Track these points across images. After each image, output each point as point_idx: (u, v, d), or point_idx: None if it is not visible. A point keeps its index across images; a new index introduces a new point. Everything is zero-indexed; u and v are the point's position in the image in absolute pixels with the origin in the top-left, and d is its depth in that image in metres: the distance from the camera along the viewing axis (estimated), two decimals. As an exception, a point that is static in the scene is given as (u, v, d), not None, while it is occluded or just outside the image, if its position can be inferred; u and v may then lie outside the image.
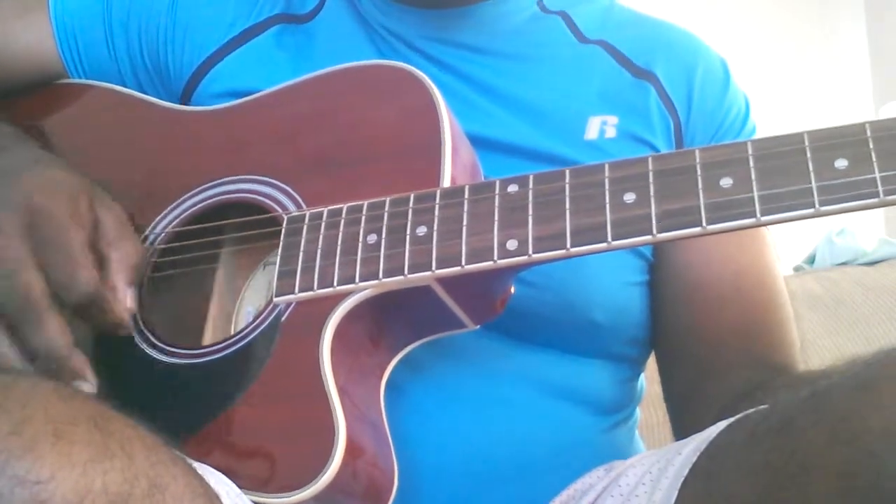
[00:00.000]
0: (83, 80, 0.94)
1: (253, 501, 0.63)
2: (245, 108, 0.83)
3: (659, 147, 0.87)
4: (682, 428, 0.89)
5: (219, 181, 0.80)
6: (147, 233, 0.81)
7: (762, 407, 0.62)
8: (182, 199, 0.81)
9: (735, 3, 3.21)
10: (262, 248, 0.81)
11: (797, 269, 2.06)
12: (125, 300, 0.73)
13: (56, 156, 0.82)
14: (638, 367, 0.92)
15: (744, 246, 0.87)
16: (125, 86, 0.93)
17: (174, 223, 0.80)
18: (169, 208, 0.81)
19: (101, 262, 0.73)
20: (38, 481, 0.45)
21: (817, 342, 1.56)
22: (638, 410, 0.94)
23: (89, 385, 0.70)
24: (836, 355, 1.49)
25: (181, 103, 0.91)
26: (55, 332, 0.68)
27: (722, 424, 0.64)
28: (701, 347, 0.87)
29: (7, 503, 0.45)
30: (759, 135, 0.91)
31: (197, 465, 0.58)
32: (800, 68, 3.23)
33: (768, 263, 0.88)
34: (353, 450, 0.64)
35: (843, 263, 1.91)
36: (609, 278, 0.84)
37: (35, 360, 0.68)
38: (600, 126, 0.85)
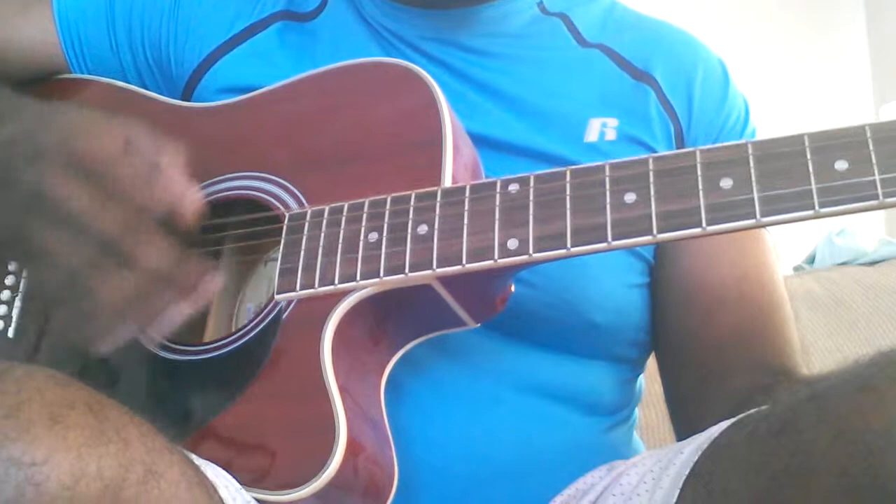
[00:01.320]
0: (85, 75, 0.94)
1: (254, 498, 0.63)
2: (247, 105, 0.83)
3: (658, 149, 0.86)
4: (683, 430, 0.88)
5: (220, 178, 0.80)
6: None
7: (763, 407, 0.62)
8: (183, 196, 0.81)
9: (735, 4, 3.21)
10: (264, 246, 0.81)
11: (797, 269, 2.06)
12: (192, 195, 0.71)
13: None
14: (637, 368, 0.92)
15: (744, 249, 0.87)
16: (127, 81, 0.93)
17: (175, 220, 0.80)
18: (170, 206, 0.81)
19: (155, 175, 0.70)
20: (34, 463, 0.46)
21: (817, 342, 1.56)
22: (637, 411, 0.94)
23: (218, 278, 0.71)
24: (836, 355, 1.49)
25: (183, 99, 0.91)
26: (160, 245, 0.68)
27: (723, 425, 0.65)
28: (702, 350, 0.87)
29: (2, 484, 0.45)
30: (759, 135, 0.91)
31: (194, 457, 0.58)
32: (800, 68, 3.23)
33: (769, 266, 0.88)
34: (353, 447, 0.64)
35: (844, 263, 1.91)
36: (609, 280, 0.84)
37: (155, 284, 0.68)
38: (600, 128, 0.86)
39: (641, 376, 0.94)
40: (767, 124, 0.92)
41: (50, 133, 0.70)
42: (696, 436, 0.67)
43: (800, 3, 3.33)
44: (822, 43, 3.34)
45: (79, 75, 0.94)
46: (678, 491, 0.63)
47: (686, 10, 2.39)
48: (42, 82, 0.94)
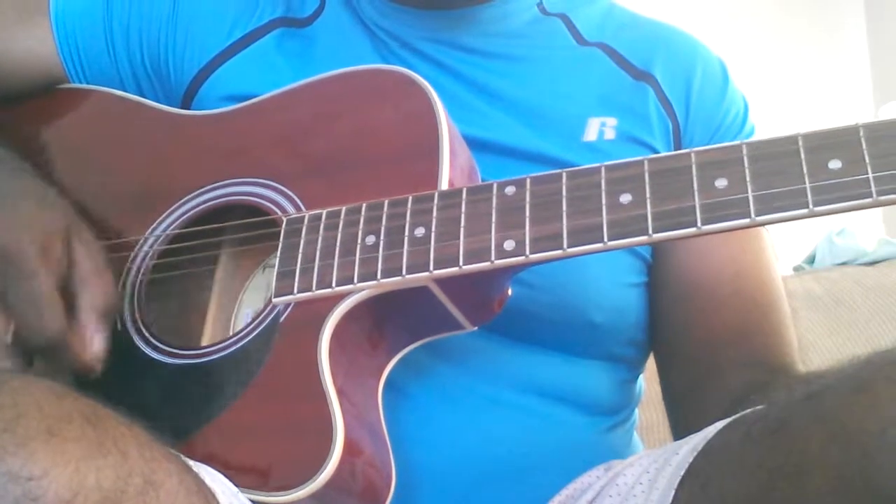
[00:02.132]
0: (83, 85, 0.94)
1: (251, 500, 0.64)
2: (245, 112, 0.84)
3: (658, 148, 0.87)
4: (681, 429, 0.89)
5: (219, 184, 0.80)
6: (147, 235, 0.81)
7: (758, 407, 0.62)
8: (182, 201, 0.81)
9: (735, 4, 3.21)
10: (262, 250, 0.81)
11: (797, 269, 2.06)
12: (92, 344, 0.71)
13: (52, 165, 0.82)
14: (637, 368, 0.92)
15: (742, 247, 0.87)
16: (125, 90, 0.93)
17: (174, 225, 0.80)
18: (169, 211, 0.81)
19: (72, 305, 0.71)
20: (31, 478, 0.46)
21: (817, 342, 1.56)
22: (637, 412, 0.94)
23: None
24: (836, 355, 1.49)
25: (182, 107, 0.91)
26: None
27: (719, 424, 0.65)
28: (699, 348, 0.87)
29: (0, 500, 0.45)
30: (758, 135, 0.91)
31: (193, 463, 0.58)
32: (800, 68, 3.23)
33: (766, 264, 0.89)
34: (350, 449, 0.64)
35: (843, 263, 1.91)
36: (608, 279, 0.84)
37: None
38: (599, 127, 0.86)
39: (641, 377, 0.94)
40: (767, 124, 0.92)
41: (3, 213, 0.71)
42: (692, 436, 0.67)
43: (800, 3, 3.32)
44: (822, 43, 3.34)
45: (77, 85, 0.94)
46: (674, 491, 0.63)
47: (686, 10, 2.39)
48: (41, 93, 0.94)
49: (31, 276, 0.68)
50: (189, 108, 0.91)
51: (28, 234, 0.70)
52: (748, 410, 0.63)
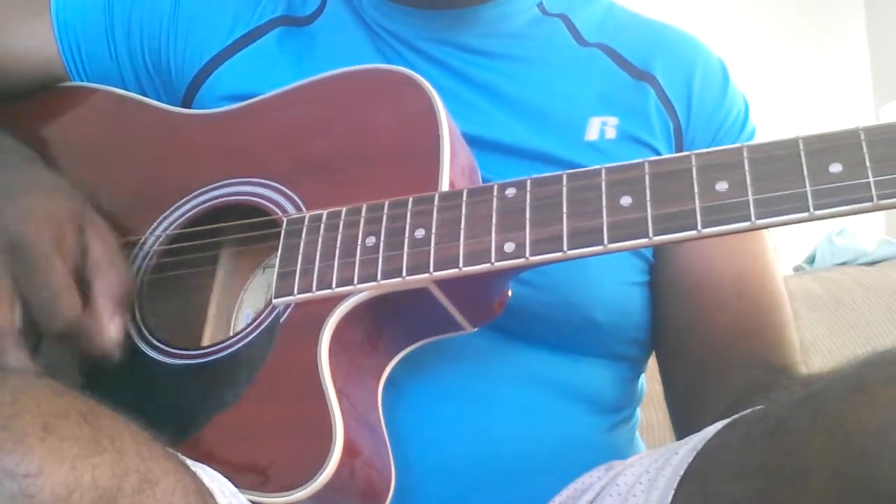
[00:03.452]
0: (84, 84, 0.94)
1: (251, 501, 0.64)
2: (246, 112, 0.84)
3: (659, 148, 0.87)
4: (683, 429, 0.89)
5: (219, 184, 0.80)
6: (147, 235, 0.81)
7: (758, 408, 0.62)
8: (183, 201, 0.81)
9: (735, 4, 3.21)
10: (262, 251, 0.81)
11: (797, 269, 2.06)
12: (109, 329, 0.71)
13: (54, 163, 0.81)
14: (639, 367, 0.92)
15: (744, 248, 0.88)
16: (127, 89, 0.93)
17: (175, 225, 0.80)
18: (169, 210, 0.81)
19: (86, 292, 0.71)
20: (27, 475, 0.46)
21: (817, 342, 1.56)
22: (638, 411, 0.94)
23: None
24: (836, 355, 1.49)
25: (183, 106, 0.91)
26: (14, 361, 0.67)
27: (718, 425, 0.65)
28: (701, 348, 0.87)
29: None
30: (758, 135, 0.91)
31: (191, 462, 0.59)
32: (800, 68, 3.23)
33: (768, 265, 0.89)
34: (350, 450, 0.64)
35: (844, 263, 1.91)
36: (610, 278, 0.84)
37: None
38: (600, 127, 0.86)
39: (642, 376, 0.94)
40: (768, 124, 0.92)
41: (14, 204, 0.71)
42: (692, 436, 0.67)
43: (800, 3, 3.32)
44: (822, 43, 3.34)
45: (78, 83, 0.94)
46: (673, 491, 0.63)
47: (686, 10, 2.39)
48: (42, 91, 0.94)
49: (46, 262, 0.68)
50: (190, 107, 0.91)
51: (42, 220, 0.70)
52: (748, 411, 0.63)
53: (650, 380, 0.95)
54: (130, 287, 0.75)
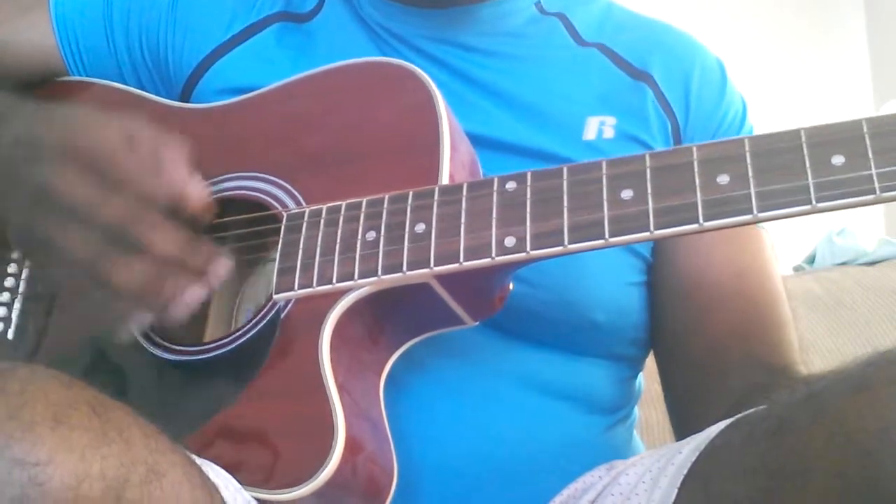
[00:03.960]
0: (83, 78, 0.94)
1: (253, 497, 0.63)
2: (245, 106, 0.83)
3: (657, 148, 0.87)
4: (682, 428, 0.89)
5: (219, 178, 0.80)
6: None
7: (760, 407, 0.62)
8: (182, 196, 0.81)
9: (735, 4, 3.21)
10: (263, 246, 0.81)
11: (797, 269, 2.06)
12: (195, 187, 0.72)
13: None
14: (637, 366, 0.92)
15: (742, 247, 0.87)
16: (125, 83, 0.93)
17: (174, 220, 0.80)
18: (169, 206, 0.81)
19: (157, 168, 0.71)
20: (37, 463, 0.46)
21: (817, 342, 1.56)
22: (636, 409, 0.94)
23: (226, 263, 0.72)
24: (836, 355, 1.49)
25: (181, 100, 0.91)
26: (166, 231, 0.69)
27: (721, 424, 0.64)
28: (700, 349, 0.87)
29: (5, 485, 0.45)
30: (758, 135, 0.91)
31: (196, 457, 0.58)
32: (800, 68, 3.23)
33: (766, 263, 0.88)
34: (352, 446, 0.64)
35: (844, 263, 1.91)
36: (609, 278, 0.84)
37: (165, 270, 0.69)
38: (598, 126, 0.86)
39: (641, 374, 0.94)
40: (768, 125, 0.91)
41: (51, 131, 0.71)
42: (695, 436, 0.67)
43: (800, 3, 3.32)
44: (822, 43, 3.34)
45: (77, 77, 0.94)
46: (676, 491, 0.63)
47: (686, 9, 2.39)
48: (40, 85, 0.94)
49: (114, 156, 0.69)
50: (188, 101, 0.91)
51: (85, 130, 0.71)
52: (750, 410, 0.63)
53: (650, 380, 0.95)
54: (184, 145, 0.74)
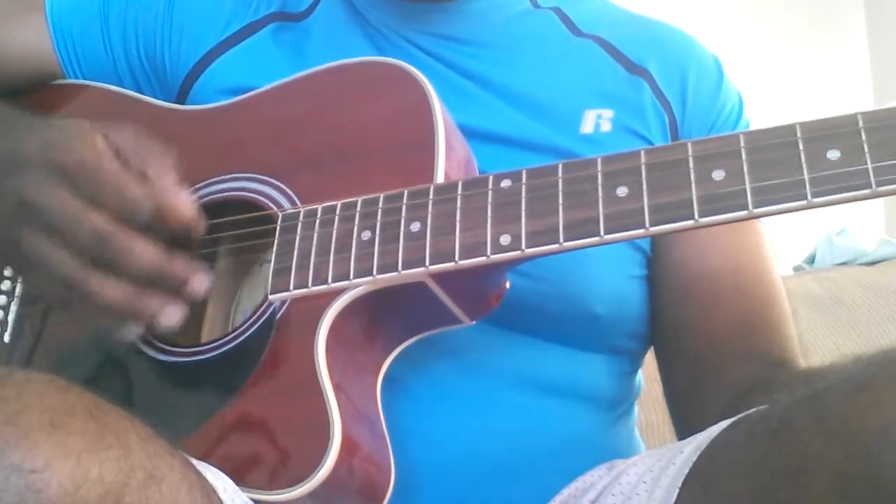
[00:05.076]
0: (79, 81, 0.94)
1: (249, 498, 0.63)
2: (240, 106, 0.83)
3: (654, 142, 0.87)
4: (683, 427, 0.89)
5: (215, 179, 0.80)
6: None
7: (761, 407, 0.62)
8: (178, 197, 0.81)
9: (735, 4, 3.21)
10: (259, 247, 0.81)
11: (797, 269, 2.06)
12: (181, 198, 0.72)
13: None
14: (637, 360, 0.92)
15: (741, 241, 0.87)
16: (122, 85, 0.93)
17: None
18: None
19: (142, 180, 0.71)
20: (34, 470, 0.46)
21: (817, 342, 1.56)
22: (636, 407, 0.94)
23: (204, 279, 0.72)
24: (836, 355, 1.47)
25: (178, 101, 0.91)
26: (142, 249, 0.68)
27: (723, 424, 0.64)
28: (700, 344, 0.87)
29: (2, 491, 0.45)
30: (754, 132, 0.91)
31: (193, 460, 0.58)
32: (800, 68, 3.23)
33: (765, 259, 0.88)
34: (348, 447, 0.64)
35: (843, 263, 1.91)
36: (610, 271, 0.84)
37: (146, 286, 0.69)
38: (596, 119, 0.86)
39: (640, 372, 0.94)
40: (767, 123, 0.92)
41: (32, 143, 0.71)
42: (696, 435, 0.67)
43: (800, 3, 3.32)
44: (822, 43, 3.34)
45: (73, 80, 0.94)
46: (677, 491, 0.63)
47: (685, 9, 2.39)
48: (37, 89, 0.94)
49: (97, 169, 0.69)
50: (185, 102, 0.91)
51: (70, 143, 0.70)
52: (752, 410, 0.63)
53: (649, 380, 0.95)
54: (172, 157, 0.74)
